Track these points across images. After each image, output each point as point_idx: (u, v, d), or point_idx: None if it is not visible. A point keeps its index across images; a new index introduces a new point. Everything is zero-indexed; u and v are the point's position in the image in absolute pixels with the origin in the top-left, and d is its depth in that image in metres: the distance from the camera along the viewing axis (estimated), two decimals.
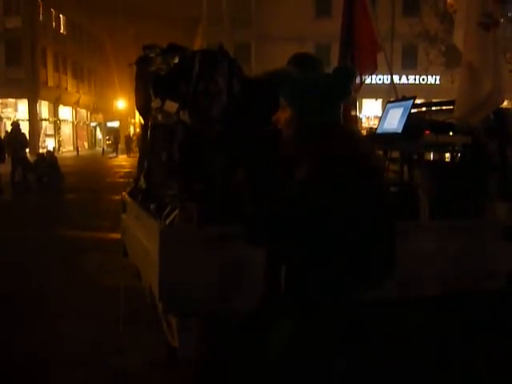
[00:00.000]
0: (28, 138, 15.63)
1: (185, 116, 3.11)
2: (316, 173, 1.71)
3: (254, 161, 2.03)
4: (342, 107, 2.05)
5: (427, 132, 3.69)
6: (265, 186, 1.86)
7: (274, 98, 1.93)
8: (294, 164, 1.75)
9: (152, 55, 3.55)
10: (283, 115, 1.86)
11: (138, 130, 45.61)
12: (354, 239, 1.70)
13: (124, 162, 27.78)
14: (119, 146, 37.42)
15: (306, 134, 1.81)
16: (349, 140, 1.82)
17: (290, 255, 1.80)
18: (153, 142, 3.52)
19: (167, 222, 2.90)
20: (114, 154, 35.16)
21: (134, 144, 35.69)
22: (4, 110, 32.94)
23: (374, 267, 1.76)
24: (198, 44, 35.15)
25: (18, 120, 18.47)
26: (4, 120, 31.46)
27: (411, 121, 3.78)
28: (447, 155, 4.96)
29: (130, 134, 38.90)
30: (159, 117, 3.33)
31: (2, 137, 16.03)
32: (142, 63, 3.66)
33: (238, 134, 3.04)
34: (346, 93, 2.02)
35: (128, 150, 34.09)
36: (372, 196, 1.76)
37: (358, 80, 5.59)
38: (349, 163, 1.73)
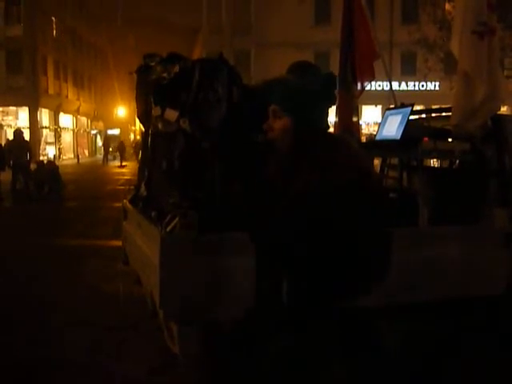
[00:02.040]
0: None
1: (185, 124, 3.14)
2: (321, 183, 1.66)
3: (248, 172, 1.97)
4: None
5: (425, 139, 3.72)
6: (259, 198, 1.81)
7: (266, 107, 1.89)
8: (292, 174, 1.71)
9: (152, 64, 3.59)
10: (277, 124, 1.81)
11: (138, 137, 45.14)
12: (352, 249, 1.67)
13: (115, 170, 27.43)
14: (115, 153, 36.22)
15: (308, 143, 1.76)
16: (350, 150, 1.79)
17: (291, 267, 1.75)
18: (153, 149, 3.55)
19: (168, 229, 2.92)
20: (104, 162, 33.32)
21: (131, 152, 34.61)
22: (5, 118, 33.02)
23: (372, 275, 1.75)
24: (197, 52, 35.31)
25: (20, 127, 18.47)
26: (5, 128, 31.53)
27: (410, 128, 3.81)
28: (446, 162, 4.98)
29: (123, 142, 36.15)
30: (159, 125, 3.36)
31: (3, 144, 16.05)
32: (143, 72, 3.69)
33: (235, 142, 3.07)
34: (334, 98, 1.96)
35: (121, 158, 32.38)
36: (370, 206, 1.73)
37: (358, 87, 5.64)
38: (352, 174, 1.70)
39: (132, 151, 35.21)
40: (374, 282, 1.76)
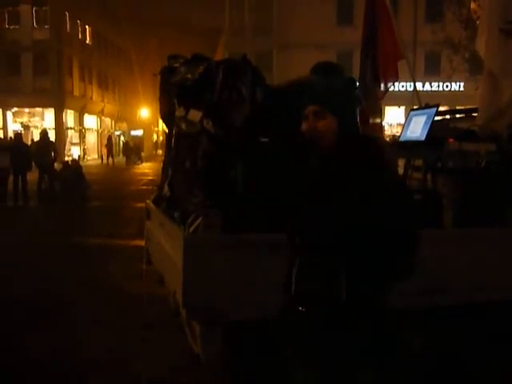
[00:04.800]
0: None
1: (208, 124, 3.16)
2: (380, 182, 1.74)
3: (290, 172, 1.98)
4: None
5: (451, 140, 3.66)
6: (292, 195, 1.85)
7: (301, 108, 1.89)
8: (336, 173, 1.76)
9: (176, 65, 3.62)
10: (320, 124, 1.81)
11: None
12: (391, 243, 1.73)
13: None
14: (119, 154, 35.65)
15: (352, 142, 1.81)
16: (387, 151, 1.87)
17: (349, 265, 1.76)
18: (177, 150, 3.57)
19: (191, 229, 2.93)
20: (107, 162, 33.16)
21: (135, 155, 33.68)
22: (31, 119, 33.65)
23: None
24: (219, 53, 35.43)
25: (46, 128, 18.78)
26: (31, 129, 32.13)
27: (434, 129, 3.76)
28: (471, 163, 4.89)
29: (128, 143, 36.04)
30: (183, 125, 3.38)
31: (30, 145, 16.34)
32: (167, 73, 3.72)
33: (262, 143, 3.07)
34: (359, 100, 2.09)
35: (127, 160, 32.49)
36: (401, 200, 1.82)
37: (382, 88, 5.59)
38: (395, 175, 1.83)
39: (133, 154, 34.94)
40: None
